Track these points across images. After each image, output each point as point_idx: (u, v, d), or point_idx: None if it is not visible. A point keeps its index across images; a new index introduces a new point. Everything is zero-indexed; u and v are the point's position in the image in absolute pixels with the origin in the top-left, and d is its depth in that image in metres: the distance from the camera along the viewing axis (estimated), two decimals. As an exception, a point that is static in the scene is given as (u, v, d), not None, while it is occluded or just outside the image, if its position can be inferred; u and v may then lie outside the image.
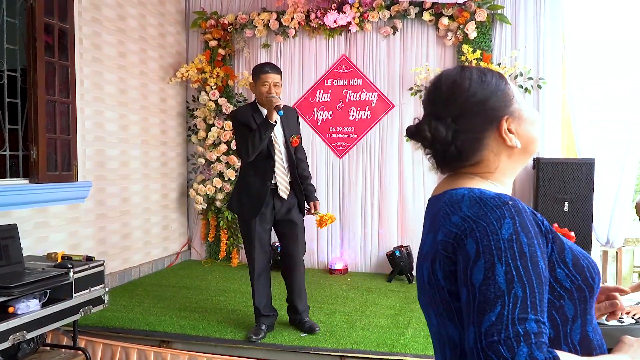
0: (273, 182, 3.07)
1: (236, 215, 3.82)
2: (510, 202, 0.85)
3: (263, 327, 3.10)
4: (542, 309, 0.78)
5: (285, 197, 3.11)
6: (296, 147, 3.20)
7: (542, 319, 0.78)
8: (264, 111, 3.01)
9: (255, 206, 3.07)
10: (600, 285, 0.97)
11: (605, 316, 1.05)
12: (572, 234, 0.91)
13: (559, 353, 0.77)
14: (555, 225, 1.02)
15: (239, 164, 5.04)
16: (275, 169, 3.06)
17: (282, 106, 2.90)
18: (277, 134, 3.10)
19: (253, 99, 3.19)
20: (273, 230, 3.23)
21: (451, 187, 0.98)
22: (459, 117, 0.97)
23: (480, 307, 0.78)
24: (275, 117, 2.91)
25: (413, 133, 1.01)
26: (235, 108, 4.93)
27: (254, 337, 3.01)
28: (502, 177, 1.00)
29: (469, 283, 0.82)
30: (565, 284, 0.86)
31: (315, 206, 3.25)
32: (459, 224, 0.87)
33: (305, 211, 3.24)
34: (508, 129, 0.97)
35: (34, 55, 3.30)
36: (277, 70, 3.09)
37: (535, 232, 0.83)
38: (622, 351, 0.91)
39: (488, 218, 0.84)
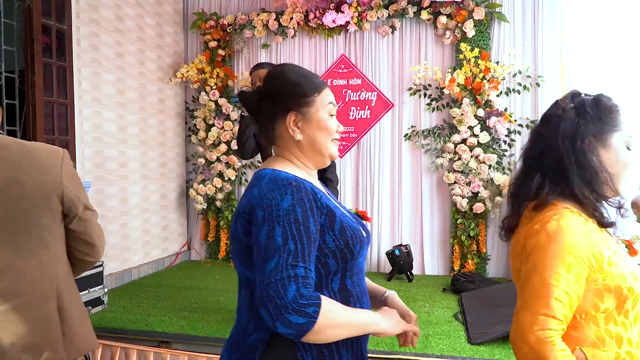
0: None
1: None
2: (294, 183, 1.09)
3: None
4: (309, 260, 1.04)
5: None
6: None
7: (309, 267, 1.03)
8: None
9: None
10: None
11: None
12: (369, 215, 1.31)
13: (322, 297, 1.02)
14: (357, 207, 1.25)
15: (239, 163, 5.07)
16: None
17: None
18: None
19: None
20: None
21: (265, 166, 1.20)
22: (260, 99, 1.21)
23: (264, 259, 1.03)
24: None
25: (240, 96, 1.38)
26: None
27: None
28: (305, 162, 1.22)
29: (258, 242, 1.06)
30: (331, 245, 1.11)
31: None
32: (255, 195, 1.11)
33: None
34: (293, 123, 1.18)
35: (32, 57, 3.30)
36: (262, 65, 3.09)
37: (310, 206, 1.08)
38: (379, 312, 1.16)
39: (274, 193, 1.08)
